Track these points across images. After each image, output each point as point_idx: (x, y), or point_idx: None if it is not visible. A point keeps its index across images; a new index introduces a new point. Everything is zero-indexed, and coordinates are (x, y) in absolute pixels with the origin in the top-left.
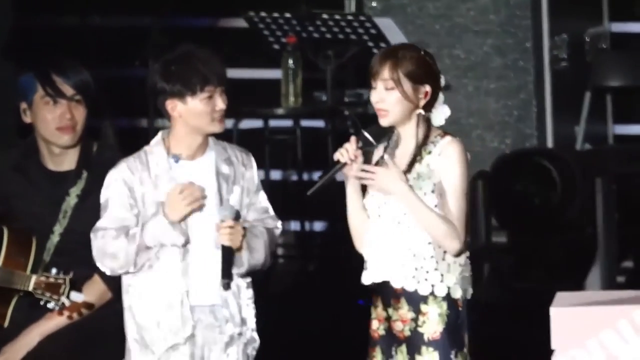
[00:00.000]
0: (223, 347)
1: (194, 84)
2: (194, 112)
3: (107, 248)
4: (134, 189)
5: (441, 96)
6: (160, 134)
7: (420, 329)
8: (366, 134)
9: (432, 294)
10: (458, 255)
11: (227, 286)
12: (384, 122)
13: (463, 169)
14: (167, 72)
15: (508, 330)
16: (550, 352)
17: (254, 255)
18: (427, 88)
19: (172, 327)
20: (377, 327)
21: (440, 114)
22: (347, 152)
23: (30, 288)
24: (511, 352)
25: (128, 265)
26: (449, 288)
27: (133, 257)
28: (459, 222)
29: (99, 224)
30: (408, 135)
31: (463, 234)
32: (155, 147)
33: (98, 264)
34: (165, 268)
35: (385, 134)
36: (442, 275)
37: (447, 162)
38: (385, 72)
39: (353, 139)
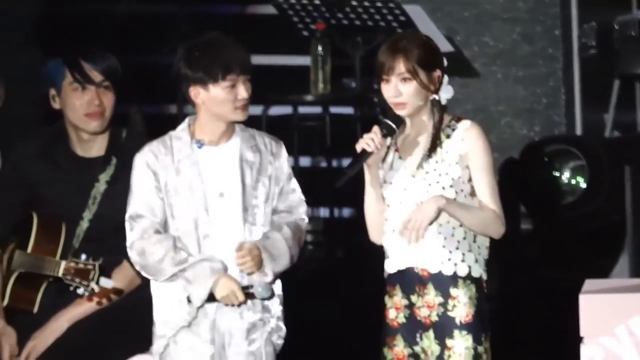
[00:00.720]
0: (244, 334)
1: (215, 72)
2: (216, 100)
3: (149, 256)
4: (157, 173)
5: (445, 77)
6: (187, 119)
7: (450, 313)
8: (388, 122)
9: (468, 276)
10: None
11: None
12: (402, 113)
13: (489, 151)
14: (190, 59)
15: (535, 318)
16: (577, 339)
17: (279, 262)
18: (438, 72)
19: (180, 311)
20: (395, 315)
21: (446, 94)
22: (373, 142)
23: (60, 274)
24: (538, 339)
25: (156, 277)
26: (481, 269)
27: (166, 278)
28: (496, 205)
29: (131, 210)
30: (421, 121)
31: (502, 215)
32: (180, 132)
33: (130, 254)
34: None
35: (403, 120)
36: (475, 256)
37: (472, 147)
38: (401, 65)
39: (376, 128)
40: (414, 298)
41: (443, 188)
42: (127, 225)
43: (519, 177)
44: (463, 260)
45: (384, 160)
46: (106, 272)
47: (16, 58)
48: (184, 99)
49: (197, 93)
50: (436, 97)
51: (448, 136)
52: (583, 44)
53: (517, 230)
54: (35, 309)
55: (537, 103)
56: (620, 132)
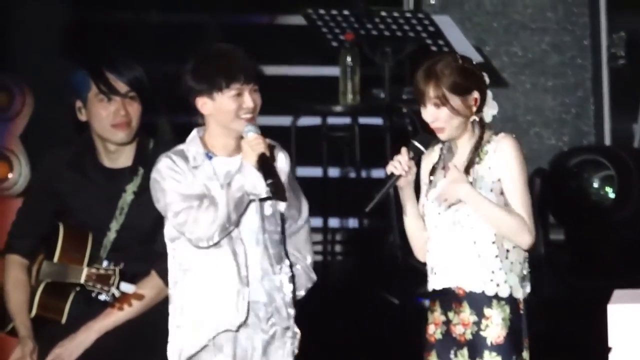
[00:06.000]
0: (267, 341)
1: (219, 81)
2: (221, 110)
3: (200, 219)
4: (181, 174)
5: (489, 93)
6: (195, 131)
7: (482, 333)
8: (416, 143)
9: (496, 296)
10: (529, 248)
11: (272, 186)
12: (443, 137)
13: (520, 162)
14: (195, 70)
15: (565, 328)
16: (607, 349)
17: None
18: (475, 95)
19: (227, 314)
20: (433, 331)
21: (491, 110)
22: (400, 164)
23: (82, 280)
24: (568, 349)
25: (227, 221)
26: (511, 288)
27: (231, 210)
28: (527, 214)
29: (174, 207)
30: (464, 142)
31: (532, 226)
32: (191, 144)
33: (190, 237)
34: (219, 268)
35: (434, 141)
36: (505, 274)
37: (503, 158)
38: (431, 92)
39: (404, 150)
40: (450, 315)
41: None
42: (174, 219)
43: (548, 187)
44: (492, 280)
45: (431, 181)
46: (127, 277)
47: (47, 66)
48: (195, 111)
49: (203, 104)
50: (476, 118)
51: (486, 152)
52: (612, 54)
53: (546, 240)
54: (64, 320)
55: (566, 113)
56: None
